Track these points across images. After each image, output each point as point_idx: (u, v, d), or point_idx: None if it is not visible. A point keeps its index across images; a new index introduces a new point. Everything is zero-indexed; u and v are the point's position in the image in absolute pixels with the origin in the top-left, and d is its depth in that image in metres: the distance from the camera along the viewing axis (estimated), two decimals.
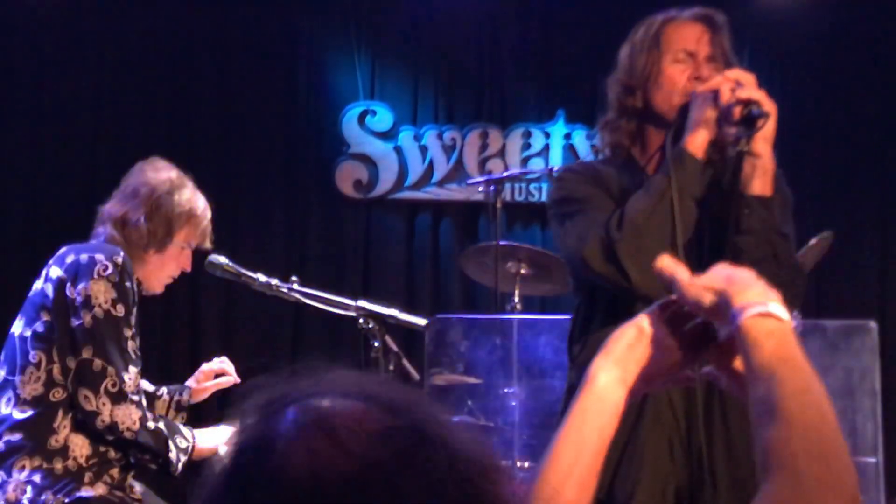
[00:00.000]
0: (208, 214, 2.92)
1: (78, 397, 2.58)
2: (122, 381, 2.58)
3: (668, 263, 1.26)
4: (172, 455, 2.67)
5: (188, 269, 2.94)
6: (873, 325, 5.09)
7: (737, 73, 2.12)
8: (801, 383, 1.08)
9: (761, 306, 1.14)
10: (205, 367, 3.19)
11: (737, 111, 2.07)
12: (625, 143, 2.33)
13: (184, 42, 6.07)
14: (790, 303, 2.29)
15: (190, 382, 3.16)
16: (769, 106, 2.06)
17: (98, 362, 2.58)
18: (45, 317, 2.65)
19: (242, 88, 6.08)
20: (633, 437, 2.20)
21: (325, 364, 0.95)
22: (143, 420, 2.62)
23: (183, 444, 2.72)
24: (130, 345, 2.65)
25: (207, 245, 2.93)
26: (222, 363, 3.17)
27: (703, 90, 2.15)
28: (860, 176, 6.21)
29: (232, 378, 3.14)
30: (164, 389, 3.12)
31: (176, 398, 3.12)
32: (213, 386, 3.13)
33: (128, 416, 2.58)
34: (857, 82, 6.18)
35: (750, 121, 2.05)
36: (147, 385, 3.02)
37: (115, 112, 5.98)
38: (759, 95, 2.06)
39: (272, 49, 6.14)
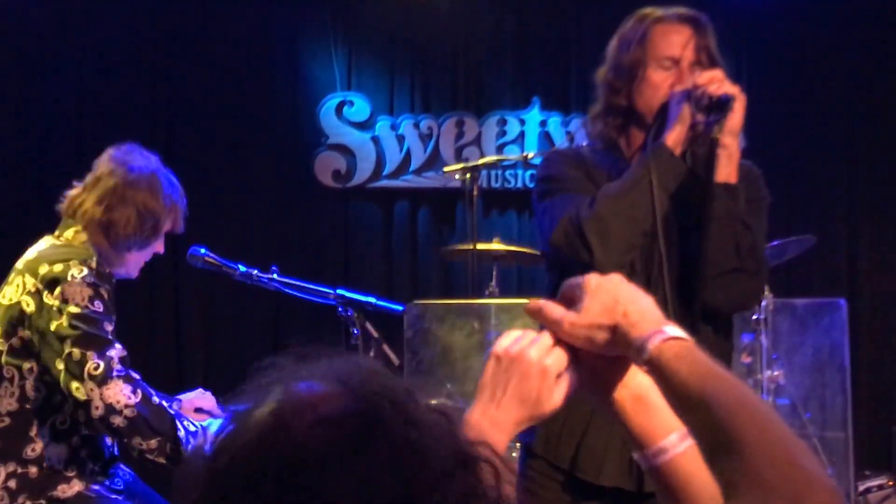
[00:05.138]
0: (184, 199, 2.87)
1: (73, 392, 2.50)
2: (105, 361, 2.48)
3: (537, 306, 1.25)
4: (182, 434, 2.55)
5: (161, 251, 2.89)
6: (843, 302, 5.19)
7: (707, 75, 2.20)
8: (734, 397, 1.05)
9: (660, 335, 1.14)
10: (185, 398, 3.10)
11: (706, 100, 2.15)
12: (612, 135, 2.39)
13: (163, 34, 6.07)
14: (752, 293, 2.39)
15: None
16: (737, 93, 2.14)
17: (77, 351, 2.49)
18: (23, 332, 2.60)
19: (221, 81, 6.09)
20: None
21: (331, 348, 0.95)
22: (143, 393, 2.51)
23: (192, 428, 2.61)
24: (112, 334, 2.56)
25: (180, 227, 2.87)
26: (203, 395, 3.11)
27: (678, 90, 2.23)
28: (829, 159, 6.29)
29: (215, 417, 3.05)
30: (153, 392, 3.01)
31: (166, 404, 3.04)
32: (194, 418, 3.01)
33: (118, 393, 2.47)
34: (824, 72, 6.25)
35: (720, 105, 2.14)
36: None
37: (94, 104, 5.99)
38: (726, 88, 2.15)
39: (250, 41, 6.16)
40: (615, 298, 1.20)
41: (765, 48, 6.20)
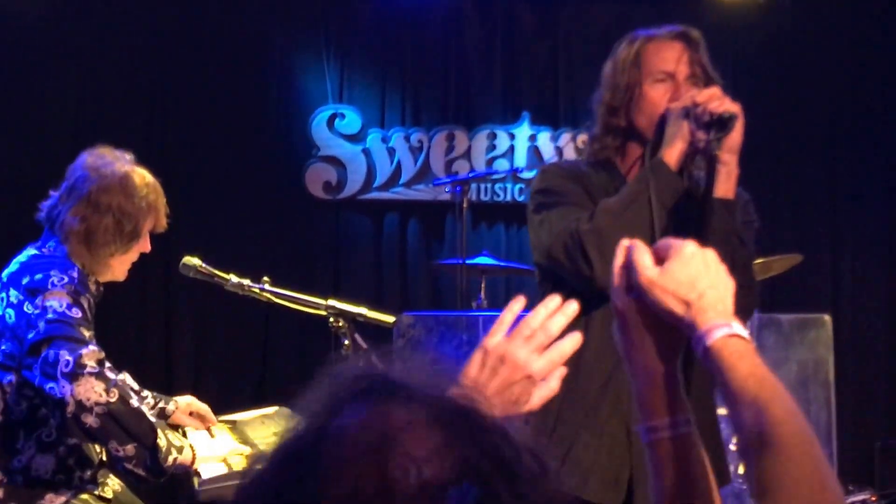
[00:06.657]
0: (162, 195, 2.83)
1: (48, 393, 2.45)
2: (76, 359, 2.42)
3: (628, 244, 1.27)
4: (162, 443, 2.49)
5: (148, 250, 2.86)
6: (827, 318, 5.22)
7: (707, 93, 2.23)
8: (785, 407, 1.09)
9: (726, 328, 1.17)
10: (181, 401, 3.11)
11: (707, 117, 2.19)
12: (609, 155, 2.43)
13: (156, 48, 6.10)
14: (747, 309, 2.41)
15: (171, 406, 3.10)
16: (737, 110, 2.18)
17: (51, 352, 2.43)
18: (4, 346, 2.59)
19: (214, 93, 6.10)
20: (590, 423, 2.27)
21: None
22: (120, 394, 2.44)
23: (177, 442, 2.55)
24: (89, 338, 2.50)
25: (164, 225, 2.84)
26: (198, 401, 3.11)
27: (675, 107, 2.27)
28: (812, 176, 6.35)
29: (208, 422, 3.08)
30: (148, 393, 3.06)
31: (160, 405, 3.06)
32: (188, 422, 3.08)
33: (89, 390, 2.40)
34: (807, 84, 6.32)
35: (722, 123, 2.17)
36: (132, 383, 2.99)
37: (89, 117, 5.99)
38: (727, 105, 2.19)
39: (243, 55, 6.18)
40: (700, 275, 1.21)
41: (747, 65, 6.26)
